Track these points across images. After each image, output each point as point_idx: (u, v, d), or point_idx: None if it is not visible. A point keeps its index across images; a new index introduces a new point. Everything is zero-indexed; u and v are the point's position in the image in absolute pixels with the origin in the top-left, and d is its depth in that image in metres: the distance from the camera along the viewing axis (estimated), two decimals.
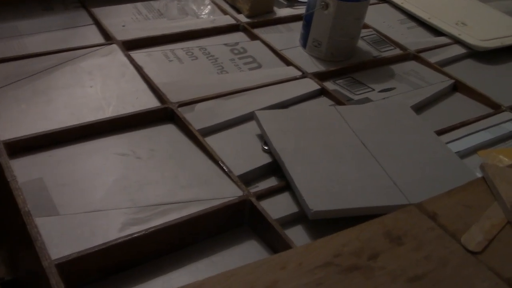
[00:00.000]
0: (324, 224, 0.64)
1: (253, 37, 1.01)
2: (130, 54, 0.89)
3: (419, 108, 0.89)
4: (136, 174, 0.66)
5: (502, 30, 1.12)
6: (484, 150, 0.81)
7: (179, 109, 0.77)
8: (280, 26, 1.08)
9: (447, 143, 0.80)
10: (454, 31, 1.10)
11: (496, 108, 0.91)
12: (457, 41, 1.09)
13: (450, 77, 0.97)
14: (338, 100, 0.86)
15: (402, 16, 1.19)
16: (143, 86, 0.82)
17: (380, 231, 0.48)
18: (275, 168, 0.71)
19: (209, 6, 1.06)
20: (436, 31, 1.13)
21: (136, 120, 0.75)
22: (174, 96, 0.79)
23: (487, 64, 1.06)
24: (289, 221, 0.65)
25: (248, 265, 0.44)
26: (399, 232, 0.48)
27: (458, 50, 1.07)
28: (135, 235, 0.57)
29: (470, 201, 0.56)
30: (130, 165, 0.68)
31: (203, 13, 1.05)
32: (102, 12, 1.00)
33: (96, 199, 0.62)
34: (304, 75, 0.91)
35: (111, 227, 0.58)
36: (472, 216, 0.54)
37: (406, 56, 1.03)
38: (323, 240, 0.47)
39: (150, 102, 0.79)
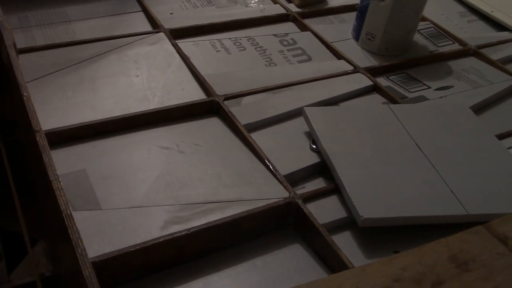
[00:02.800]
0: (374, 232, 0.60)
1: (304, 28, 0.97)
2: (177, 43, 0.86)
3: (479, 109, 0.84)
4: (179, 169, 0.65)
5: None
6: None
7: (225, 102, 0.75)
8: (332, 17, 1.03)
9: (509, 148, 0.75)
10: None
11: None
12: None
13: None
14: (391, 98, 0.82)
15: (462, 9, 1.13)
16: (189, 77, 0.80)
17: (444, 255, 0.44)
18: (323, 168, 0.68)
19: None
20: (499, 26, 1.06)
21: (181, 112, 0.73)
22: (220, 89, 0.77)
23: None
24: (337, 226, 0.62)
25: (301, 286, 0.41)
26: (466, 257, 0.44)
27: None
28: (177, 234, 0.55)
29: None
30: (173, 160, 0.66)
31: (253, 2, 1.02)
32: None
33: (139, 194, 0.60)
34: (356, 69, 0.87)
35: (153, 225, 0.57)
36: None
37: (466, 52, 0.97)
38: (382, 262, 0.43)
39: (195, 94, 0.77)
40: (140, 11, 0.96)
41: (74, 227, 0.47)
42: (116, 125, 0.69)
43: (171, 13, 0.95)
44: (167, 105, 0.73)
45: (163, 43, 0.86)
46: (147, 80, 0.78)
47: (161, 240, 0.54)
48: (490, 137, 0.74)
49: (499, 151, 0.71)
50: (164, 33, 0.88)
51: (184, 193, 0.61)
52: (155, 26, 0.91)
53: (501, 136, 0.76)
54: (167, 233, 0.55)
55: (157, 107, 0.72)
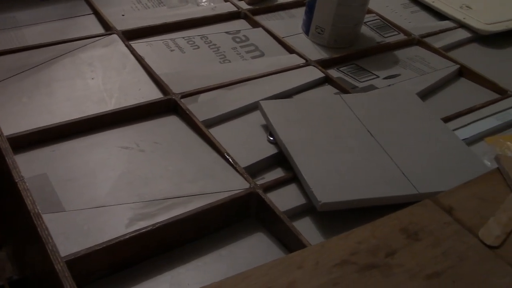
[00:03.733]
0: (332, 216, 0.63)
1: (255, 24, 1.00)
2: (131, 44, 0.87)
3: (425, 94, 0.88)
4: (141, 168, 0.66)
5: (507, 13, 1.11)
6: (491, 137, 0.80)
7: (182, 100, 0.76)
8: (282, 13, 1.06)
9: (454, 130, 0.79)
10: (459, 15, 1.08)
11: (503, 93, 0.90)
12: (462, 25, 1.08)
13: (455, 62, 0.96)
14: (342, 88, 0.85)
15: (405, 0, 1.17)
16: (145, 77, 0.81)
17: (396, 227, 0.47)
18: (281, 159, 0.70)
19: None
20: (440, 15, 1.12)
21: (139, 112, 0.74)
22: (176, 87, 0.78)
23: (493, 48, 1.04)
24: (297, 213, 0.64)
25: (264, 266, 0.43)
26: (416, 228, 0.47)
27: (463, 34, 1.06)
28: (143, 230, 0.56)
29: (486, 194, 0.55)
30: (134, 159, 0.67)
31: (204, 1, 1.03)
32: (100, 1, 0.98)
33: (102, 194, 0.61)
34: (307, 63, 0.90)
35: (118, 223, 0.58)
36: (488, 210, 0.53)
37: (410, 41, 1.02)
38: (339, 238, 0.46)
39: (152, 93, 0.78)
40: (91, 13, 0.96)
41: (43, 225, 0.47)
42: (74, 127, 0.69)
43: (123, 15, 0.96)
44: (125, 105, 0.74)
45: (117, 44, 0.87)
46: (103, 82, 0.78)
47: (127, 237, 0.55)
48: (436, 121, 0.78)
49: (444, 133, 0.76)
50: (117, 34, 0.89)
51: (147, 190, 0.62)
52: (108, 28, 0.91)
53: (446, 119, 0.81)
54: (133, 230, 0.56)
55: (115, 108, 0.73)
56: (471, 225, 0.50)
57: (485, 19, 1.07)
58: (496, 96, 0.89)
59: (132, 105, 0.74)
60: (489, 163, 0.72)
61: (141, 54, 0.85)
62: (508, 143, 0.77)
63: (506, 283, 0.45)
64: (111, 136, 0.70)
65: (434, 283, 0.43)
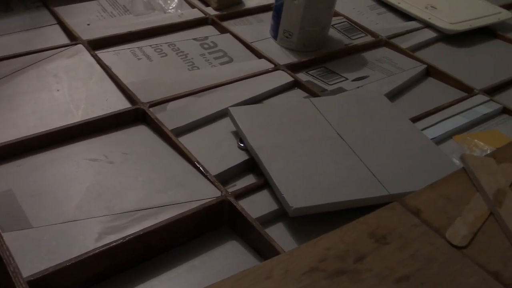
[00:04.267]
0: (305, 220, 0.63)
1: (223, 30, 0.99)
2: (97, 54, 0.86)
3: (393, 95, 0.89)
4: (110, 180, 0.65)
5: (471, 12, 1.13)
6: (459, 135, 0.81)
7: (151, 109, 0.75)
8: (250, 18, 1.06)
9: (423, 129, 0.80)
10: (424, 15, 1.10)
11: (469, 91, 0.91)
12: (428, 25, 1.09)
13: (422, 62, 0.97)
14: (312, 92, 0.85)
15: (371, 2, 1.19)
16: (112, 87, 0.80)
17: (364, 232, 0.47)
18: (252, 165, 0.70)
19: (176, 0, 1.04)
20: (406, 16, 1.13)
21: (106, 123, 0.73)
22: (144, 96, 0.77)
23: (458, 47, 1.06)
24: (270, 219, 0.64)
25: (232, 277, 0.43)
26: (384, 231, 0.48)
27: (429, 34, 1.07)
28: (113, 244, 0.55)
29: (452, 194, 0.56)
30: (103, 171, 0.66)
31: (170, 8, 1.03)
32: (65, 11, 0.97)
33: (70, 208, 0.60)
34: (276, 67, 0.90)
35: (87, 237, 0.57)
36: (455, 210, 0.53)
37: (378, 42, 1.03)
38: (307, 245, 0.46)
39: (120, 103, 0.77)
40: (56, 24, 0.94)
41: (4, 246, 0.46)
42: (41, 141, 0.68)
43: (88, 24, 0.94)
44: (92, 116, 0.72)
45: (82, 54, 0.85)
46: (69, 93, 0.77)
47: (96, 251, 0.54)
48: (405, 121, 0.79)
49: (413, 133, 0.77)
50: (83, 44, 0.87)
51: (116, 202, 0.61)
52: (73, 38, 0.90)
53: (415, 119, 0.82)
54: (102, 244, 0.55)
55: (82, 119, 0.72)
56: (439, 226, 0.51)
57: (450, 19, 1.09)
58: (463, 94, 0.91)
59: (100, 116, 0.73)
60: (457, 162, 0.73)
61: (107, 64, 0.84)
62: (476, 140, 0.78)
63: (473, 282, 0.45)
64: (79, 148, 0.69)
65: (403, 286, 0.43)
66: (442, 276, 0.45)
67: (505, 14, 1.14)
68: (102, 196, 0.62)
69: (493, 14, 1.14)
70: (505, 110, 0.88)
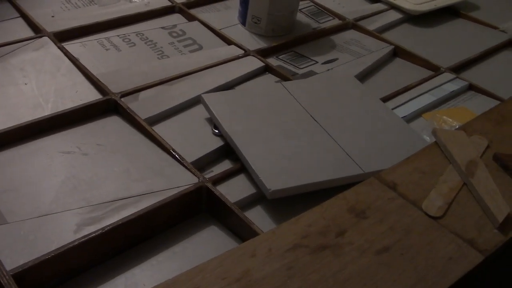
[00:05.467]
0: (283, 202, 0.64)
1: (191, 18, 0.99)
2: (64, 46, 0.84)
3: (363, 76, 0.90)
4: (85, 171, 0.64)
5: None
6: (428, 113, 0.83)
7: (122, 99, 0.75)
8: (217, 5, 1.05)
9: (393, 108, 0.81)
10: None
11: (436, 70, 0.93)
12: (393, 6, 1.11)
13: (390, 43, 0.99)
14: (283, 76, 0.86)
15: None
16: (81, 78, 0.78)
17: (343, 207, 0.48)
18: (228, 150, 0.70)
19: None
20: None
21: (78, 115, 0.72)
22: (115, 86, 0.76)
23: (424, 27, 1.08)
24: (248, 203, 0.65)
25: (217, 257, 0.43)
26: (363, 206, 0.49)
27: (394, 15, 1.09)
28: (92, 235, 0.55)
29: (426, 167, 0.57)
30: (78, 163, 0.65)
31: None
32: (27, 3, 0.94)
33: (46, 202, 0.59)
34: (246, 53, 0.90)
35: (65, 230, 0.56)
36: (429, 182, 0.55)
37: (345, 25, 1.04)
38: (289, 223, 0.46)
39: (90, 94, 0.75)
40: (19, 17, 0.92)
41: None
42: (11, 136, 0.67)
43: (53, 16, 0.92)
44: (63, 109, 0.71)
45: (48, 47, 0.84)
46: (37, 87, 0.75)
47: (76, 243, 0.54)
48: (376, 101, 0.80)
49: (384, 112, 0.78)
50: (48, 37, 0.86)
51: (93, 193, 0.61)
52: (37, 31, 0.88)
53: (385, 99, 0.83)
54: (81, 235, 0.55)
55: (52, 112, 0.70)
56: (415, 199, 0.52)
57: (415, 0, 1.10)
58: (430, 73, 0.93)
59: (70, 108, 0.71)
60: (428, 138, 0.74)
61: (75, 55, 0.82)
62: (444, 117, 0.80)
63: (450, 250, 0.47)
64: (51, 141, 0.68)
65: (384, 257, 0.45)
66: (420, 246, 0.47)
67: None
68: (78, 188, 0.61)
69: None
70: (471, 87, 0.90)
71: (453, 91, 0.88)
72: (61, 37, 0.87)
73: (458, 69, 0.94)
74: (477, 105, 0.85)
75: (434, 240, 0.48)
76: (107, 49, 0.87)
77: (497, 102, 0.84)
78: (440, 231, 0.49)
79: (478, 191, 0.54)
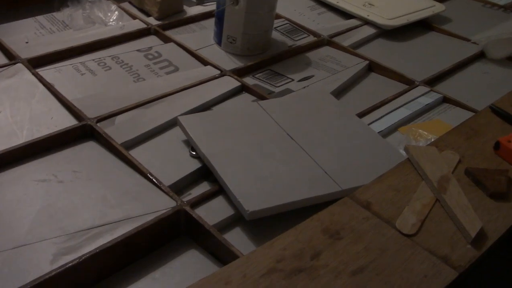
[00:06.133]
0: (263, 222, 0.64)
1: (166, 39, 0.99)
2: (38, 72, 0.84)
3: (339, 92, 0.91)
4: (61, 199, 0.63)
5: (407, 7, 1.17)
6: (404, 126, 0.84)
7: (98, 124, 0.74)
8: (192, 25, 1.06)
9: (369, 123, 0.82)
10: (363, 13, 1.13)
11: (410, 83, 0.94)
12: (367, 22, 1.12)
13: (364, 58, 1.00)
14: (259, 95, 0.86)
15: (311, 3, 1.21)
16: (56, 104, 0.78)
17: (318, 229, 0.48)
18: (206, 172, 0.70)
19: (116, 12, 1.03)
20: (345, 14, 1.16)
21: (53, 141, 0.71)
22: (91, 111, 0.76)
23: (397, 41, 1.10)
24: (227, 224, 0.64)
25: (192, 286, 0.43)
26: (337, 227, 0.49)
27: (368, 30, 1.10)
28: (69, 264, 0.54)
29: (400, 184, 0.58)
30: (53, 191, 0.64)
31: (111, 20, 1.01)
32: (1, 30, 0.94)
33: (21, 233, 0.58)
34: (222, 73, 0.90)
35: (42, 260, 0.55)
36: (403, 200, 0.55)
37: (320, 42, 1.05)
38: (264, 247, 0.46)
39: (66, 121, 0.75)
40: None
41: None
42: None
43: (27, 42, 0.92)
44: (38, 136, 0.71)
45: (23, 74, 0.83)
46: (12, 115, 0.75)
47: (53, 274, 0.53)
48: (352, 117, 0.81)
49: (361, 128, 0.79)
50: (22, 63, 0.85)
51: (69, 222, 0.60)
52: (11, 57, 0.87)
53: (361, 114, 0.84)
54: (58, 265, 0.54)
55: (27, 140, 0.70)
56: (388, 217, 0.53)
57: (387, 15, 1.12)
58: (405, 87, 0.94)
59: (45, 135, 0.71)
60: (404, 153, 0.75)
61: (50, 81, 0.82)
62: (420, 130, 0.81)
63: (425, 267, 0.47)
64: (26, 170, 0.67)
65: (359, 278, 0.45)
66: (395, 265, 0.47)
67: (438, 7, 1.19)
68: (54, 217, 0.61)
69: (428, 8, 1.18)
70: (445, 99, 0.91)
71: (428, 104, 0.89)
72: (36, 63, 0.86)
73: (432, 82, 0.96)
74: (452, 117, 0.86)
75: (409, 258, 0.48)
76: (82, 74, 0.86)
77: (471, 114, 0.85)
78: (414, 249, 0.49)
79: (450, 207, 0.55)
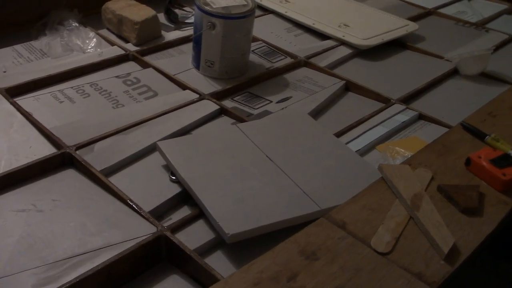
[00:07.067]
0: (244, 245, 0.64)
1: (145, 65, 1.00)
2: (16, 101, 0.84)
3: (317, 112, 0.93)
4: (41, 229, 0.63)
5: (381, 26, 1.19)
6: (382, 144, 0.85)
7: (77, 152, 0.75)
8: (171, 50, 1.07)
9: (347, 143, 0.84)
10: (338, 34, 1.15)
11: (387, 102, 0.96)
12: (343, 42, 1.14)
13: (341, 78, 1.02)
14: (238, 117, 0.87)
15: (288, 25, 1.23)
16: (35, 133, 0.78)
17: (295, 250, 0.49)
18: (186, 196, 0.70)
19: (94, 39, 1.03)
20: (322, 36, 1.18)
21: (32, 171, 0.71)
22: (70, 139, 0.76)
23: (373, 61, 1.12)
24: (208, 248, 0.65)
25: None
26: (313, 248, 0.49)
27: (344, 51, 1.12)
28: None
29: (374, 203, 0.59)
30: (33, 221, 0.64)
31: (89, 47, 1.02)
32: None
33: (1, 264, 0.58)
34: (201, 97, 0.91)
35: None
36: (378, 218, 0.56)
37: (298, 63, 1.07)
38: (241, 271, 0.47)
39: (45, 149, 0.75)
40: None
41: None
42: None
43: (4, 71, 0.92)
44: (16, 166, 0.71)
45: (0, 103, 0.83)
46: None
47: None
48: (329, 137, 0.82)
49: (338, 147, 0.80)
50: (0, 93, 0.85)
51: (49, 251, 0.60)
52: None
53: (339, 134, 0.85)
54: None
55: (5, 171, 0.70)
56: (364, 236, 0.53)
57: (362, 35, 1.14)
58: (381, 105, 0.96)
59: (24, 164, 0.71)
60: None
61: (28, 110, 0.82)
62: (397, 148, 0.82)
63: (400, 285, 0.48)
64: (5, 200, 0.67)
65: None
66: (371, 284, 0.48)
67: (412, 26, 1.22)
68: (33, 247, 0.61)
69: (402, 27, 1.21)
70: (421, 116, 0.93)
71: (404, 121, 0.91)
72: (14, 92, 0.86)
73: (407, 99, 0.98)
74: (428, 133, 0.88)
75: (384, 277, 0.49)
76: (61, 102, 0.87)
77: (446, 130, 0.87)
78: (389, 267, 0.50)
79: (423, 224, 0.56)
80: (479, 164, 0.67)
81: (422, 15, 1.36)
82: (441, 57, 1.13)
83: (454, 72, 1.09)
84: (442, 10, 1.41)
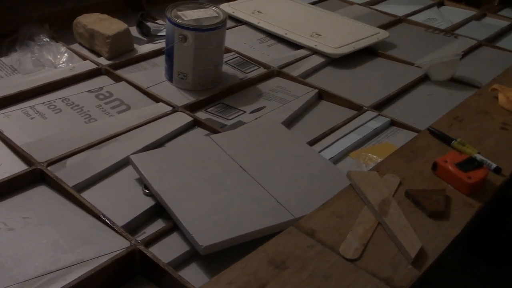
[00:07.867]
0: (218, 256, 0.64)
1: (118, 78, 1.00)
2: None
3: (291, 121, 0.93)
4: (11, 247, 0.62)
5: (353, 35, 1.21)
6: (355, 151, 0.86)
7: (49, 168, 0.74)
8: (143, 63, 1.07)
9: (321, 151, 0.84)
10: (311, 43, 1.17)
11: (359, 109, 0.97)
12: (315, 51, 1.16)
13: (314, 87, 1.03)
14: (212, 129, 0.87)
15: (261, 35, 1.24)
16: (5, 150, 0.77)
17: (264, 260, 0.49)
18: (159, 210, 0.70)
19: (66, 54, 1.03)
20: (294, 45, 1.19)
21: (2, 188, 0.70)
22: (41, 155, 0.76)
23: (345, 69, 1.13)
24: (183, 261, 0.65)
25: None
26: (282, 257, 0.50)
27: (317, 60, 1.14)
28: None
29: (343, 210, 0.60)
30: (3, 239, 0.63)
31: (61, 62, 1.01)
32: None
33: None
34: (174, 109, 0.91)
35: None
36: (346, 225, 0.57)
37: (271, 73, 1.07)
38: (210, 283, 0.47)
39: (15, 166, 0.74)
40: None
41: None
42: None
43: None
44: None
45: None
46: None
47: None
48: (303, 145, 0.83)
49: (311, 156, 0.81)
50: None
51: (20, 270, 0.59)
52: None
53: (312, 142, 0.86)
54: None
55: None
56: (332, 243, 0.54)
57: (334, 44, 1.16)
58: (354, 112, 0.97)
59: None
60: None
61: None
62: (370, 154, 0.83)
63: None
64: None
65: None
66: None
67: (383, 34, 1.24)
68: (4, 266, 0.60)
69: (373, 35, 1.23)
70: (393, 123, 0.95)
71: (376, 128, 0.92)
72: None
73: (379, 106, 0.99)
74: (400, 139, 0.89)
75: (353, 283, 0.49)
76: (32, 118, 0.86)
77: (417, 135, 0.88)
78: (358, 273, 0.50)
79: (391, 229, 0.57)
80: (445, 168, 0.68)
81: (393, 22, 1.38)
82: (411, 64, 1.15)
83: (424, 78, 1.11)
84: (412, 18, 1.44)
